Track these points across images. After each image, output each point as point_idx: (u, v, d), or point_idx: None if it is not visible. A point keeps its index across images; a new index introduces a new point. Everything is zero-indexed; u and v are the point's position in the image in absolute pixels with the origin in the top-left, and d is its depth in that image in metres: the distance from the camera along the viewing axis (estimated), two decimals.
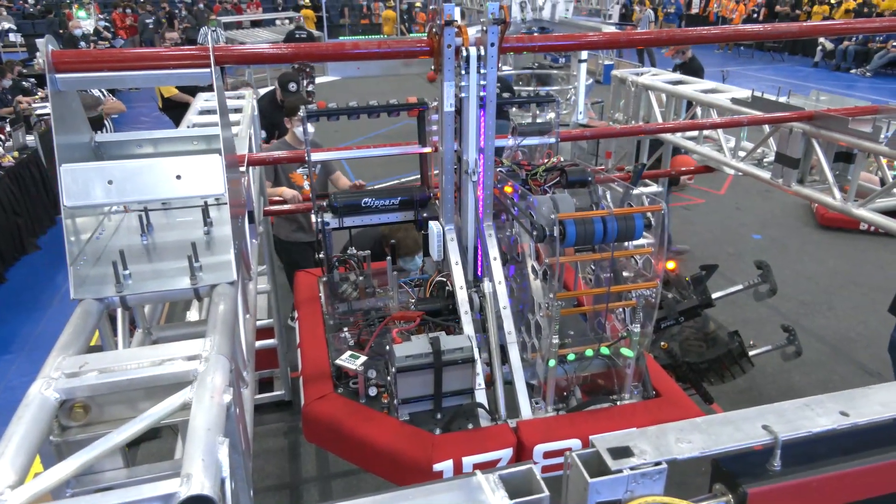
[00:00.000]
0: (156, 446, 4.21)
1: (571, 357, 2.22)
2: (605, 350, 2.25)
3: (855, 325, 5.91)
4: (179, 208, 2.43)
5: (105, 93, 7.51)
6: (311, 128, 4.46)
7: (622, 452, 1.00)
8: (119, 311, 2.12)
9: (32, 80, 10.79)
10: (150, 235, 2.22)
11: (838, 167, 3.83)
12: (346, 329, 2.62)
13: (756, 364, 4.15)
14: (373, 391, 2.27)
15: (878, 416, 1.09)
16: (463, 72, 2.36)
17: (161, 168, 1.96)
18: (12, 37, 20.33)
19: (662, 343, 3.67)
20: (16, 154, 7.70)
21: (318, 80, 16.36)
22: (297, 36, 16.34)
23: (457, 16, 2.38)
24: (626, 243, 2.30)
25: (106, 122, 7.38)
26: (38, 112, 8.66)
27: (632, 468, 0.98)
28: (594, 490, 0.96)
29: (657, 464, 0.99)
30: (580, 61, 7.75)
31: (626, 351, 2.21)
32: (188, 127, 3.89)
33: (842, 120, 3.50)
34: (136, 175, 1.93)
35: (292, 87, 6.08)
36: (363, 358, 2.29)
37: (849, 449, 1.09)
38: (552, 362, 2.19)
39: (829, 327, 5.89)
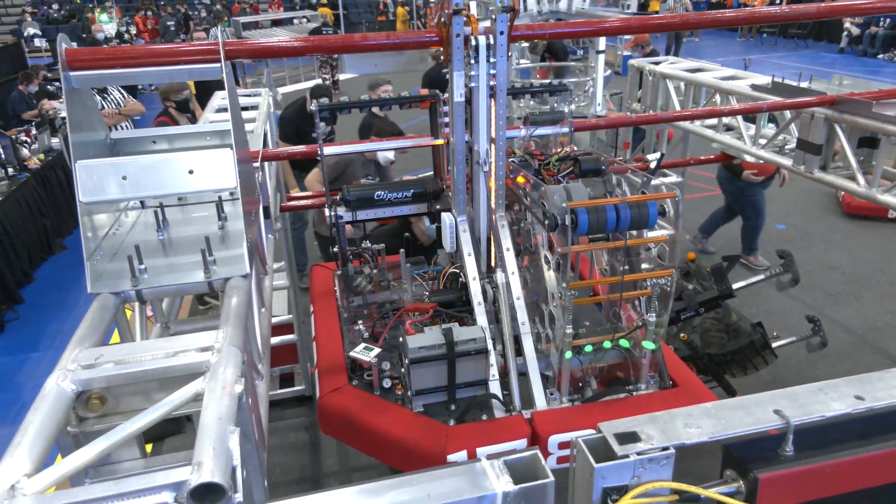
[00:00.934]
0: (180, 441, 4.27)
1: (589, 348, 2.20)
2: (624, 343, 2.22)
3: (882, 315, 5.78)
4: (195, 203, 2.45)
5: (124, 94, 7.62)
6: (392, 155, 4.53)
7: (629, 438, 0.99)
8: (136, 304, 2.16)
9: (57, 83, 10.99)
10: (166, 230, 2.25)
11: (862, 153, 3.73)
12: (360, 322, 2.63)
13: (780, 355, 4.08)
14: (387, 383, 2.28)
15: (894, 399, 1.06)
16: (472, 61, 2.34)
17: (174, 163, 1.98)
18: (37, 42, 20.76)
19: (682, 334, 3.62)
20: (41, 157, 7.87)
21: (340, 77, 16.49)
22: (325, 33, 16.49)
23: (473, 8, 2.37)
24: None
25: (126, 123, 7.50)
26: (63, 115, 8.82)
27: (639, 453, 0.97)
28: (600, 475, 0.95)
29: (665, 449, 0.98)
30: (598, 52, 7.66)
31: (647, 344, 2.18)
32: (204, 123, 3.93)
33: (865, 104, 3.41)
34: (149, 170, 1.96)
35: (325, 101, 6.09)
36: (377, 350, 2.30)
37: (864, 434, 1.06)
38: (568, 354, 2.17)
39: (855, 317, 5.77)
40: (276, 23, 20.08)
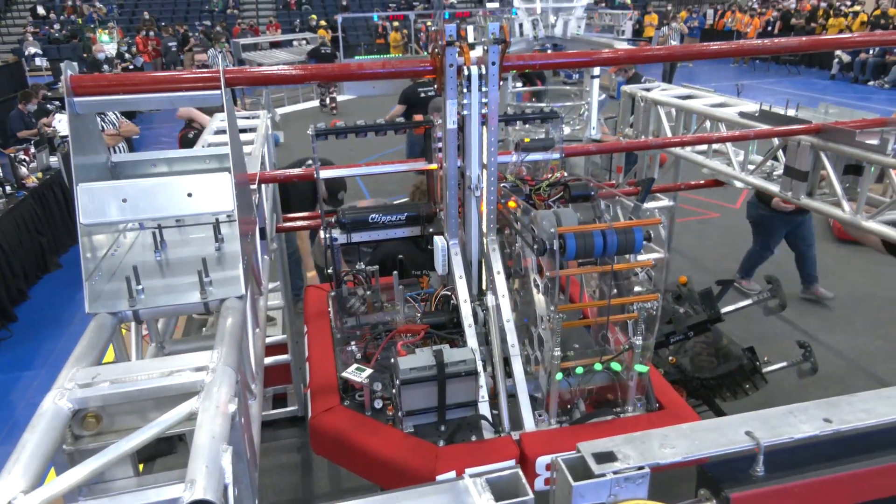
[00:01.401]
0: (172, 461, 4.27)
1: (580, 370, 2.24)
2: (616, 366, 2.26)
3: (873, 340, 5.83)
4: (192, 225, 2.50)
5: (118, 115, 7.72)
6: None
7: (606, 457, 1.03)
8: (132, 324, 2.19)
9: (57, 102, 11.09)
10: (164, 251, 2.29)
11: (848, 179, 3.81)
12: (353, 342, 2.67)
13: (773, 380, 4.11)
14: (378, 403, 2.31)
15: (861, 422, 1.11)
16: (465, 90, 2.41)
17: (173, 186, 2.04)
18: (38, 61, 20.95)
19: (671, 358, 3.66)
20: (39, 175, 7.92)
21: (337, 98, 16.70)
22: (323, 52, 16.75)
23: (470, 33, 2.45)
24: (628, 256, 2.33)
25: (121, 144, 7.62)
26: (61, 133, 8.91)
27: (615, 472, 1.01)
28: (578, 494, 0.99)
29: (640, 468, 1.02)
30: (592, 77, 7.80)
31: (638, 367, 2.22)
32: (203, 147, 4.00)
33: (849, 133, 3.50)
34: (149, 193, 2.01)
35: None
36: (369, 371, 2.33)
37: (832, 455, 1.10)
38: (559, 375, 2.21)
39: (847, 342, 5.81)
40: (275, 44, 20.35)
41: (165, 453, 4.34)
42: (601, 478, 1.00)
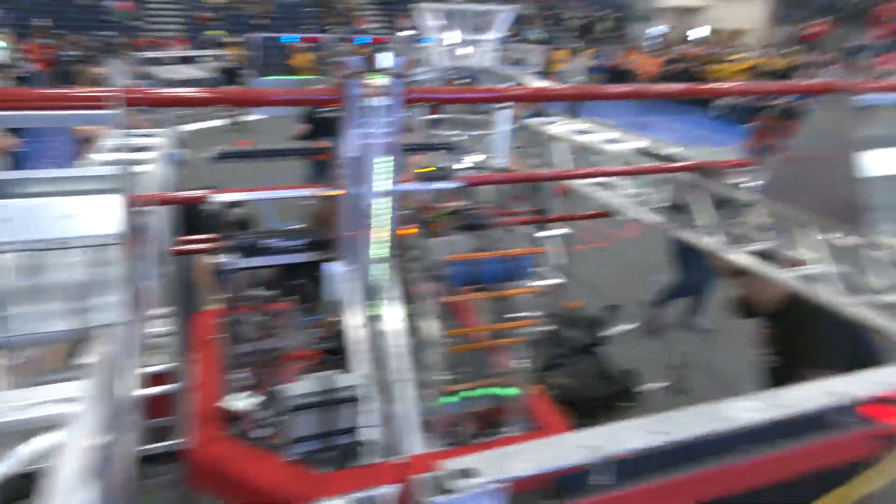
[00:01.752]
0: None
1: (464, 394, 2.32)
2: (499, 390, 2.36)
3: (746, 364, 6.31)
4: (74, 248, 2.39)
5: None
6: None
7: (463, 473, 1.10)
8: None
9: None
10: (41, 276, 2.18)
11: (722, 213, 4.18)
12: (242, 370, 2.63)
13: (651, 400, 4.38)
14: (263, 432, 2.28)
15: (690, 433, 1.26)
16: (368, 120, 2.47)
17: (52, 207, 1.97)
18: None
19: (556, 379, 3.84)
20: None
21: (248, 117, 16.31)
22: (228, 68, 16.41)
23: (382, 62, 2.50)
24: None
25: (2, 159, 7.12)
26: None
27: (470, 487, 1.08)
28: None
29: (496, 482, 1.10)
30: (499, 108, 8.08)
31: (511, 391, 2.33)
32: (95, 165, 3.83)
33: (721, 172, 3.87)
34: (24, 214, 1.93)
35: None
36: (255, 398, 2.30)
37: (668, 463, 1.25)
38: (451, 398, 2.28)
39: (723, 365, 6.25)
40: (182, 59, 19.67)
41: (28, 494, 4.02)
42: (457, 494, 1.07)
